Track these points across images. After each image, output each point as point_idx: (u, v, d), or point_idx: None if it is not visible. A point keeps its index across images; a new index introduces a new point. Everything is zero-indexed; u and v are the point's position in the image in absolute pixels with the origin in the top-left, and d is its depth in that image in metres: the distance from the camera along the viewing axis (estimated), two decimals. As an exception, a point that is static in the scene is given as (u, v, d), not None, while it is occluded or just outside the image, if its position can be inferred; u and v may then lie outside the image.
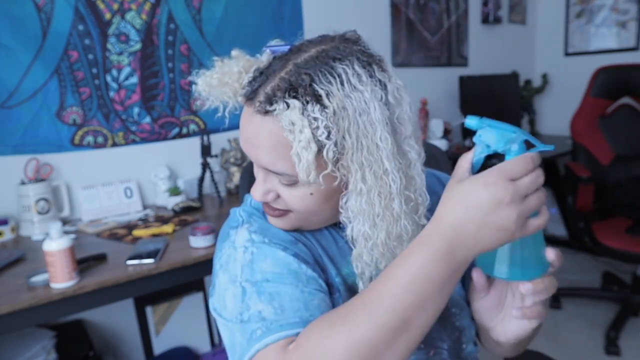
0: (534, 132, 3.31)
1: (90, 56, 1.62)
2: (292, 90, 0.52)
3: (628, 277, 2.37)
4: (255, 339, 0.52)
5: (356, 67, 0.53)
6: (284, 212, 0.62)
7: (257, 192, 0.60)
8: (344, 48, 0.55)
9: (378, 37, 2.45)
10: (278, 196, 0.60)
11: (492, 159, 0.51)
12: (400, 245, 0.57)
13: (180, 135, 1.85)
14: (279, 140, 0.53)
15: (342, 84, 0.52)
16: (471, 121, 0.51)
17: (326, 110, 0.51)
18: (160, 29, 1.74)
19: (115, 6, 1.64)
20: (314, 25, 2.11)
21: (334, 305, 0.61)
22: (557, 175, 3.07)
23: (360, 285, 0.60)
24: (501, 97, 2.96)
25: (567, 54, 3.26)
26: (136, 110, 1.74)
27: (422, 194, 0.58)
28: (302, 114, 0.51)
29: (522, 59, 3.35)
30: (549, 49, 3.36)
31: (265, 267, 0.57)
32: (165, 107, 1.80)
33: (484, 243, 0.46)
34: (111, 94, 1.68)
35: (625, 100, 2.44)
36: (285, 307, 0.54)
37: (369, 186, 0.54)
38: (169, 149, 1.83)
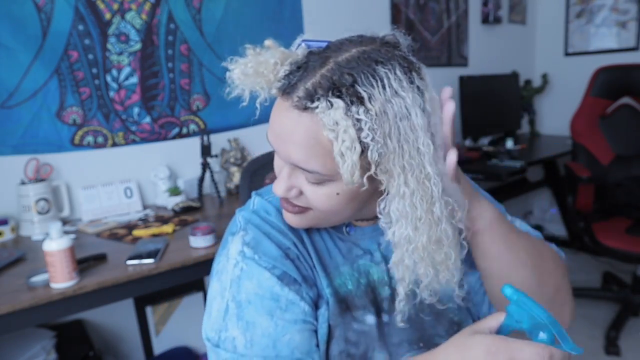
0: (534, 132, 3.31)
1: (90, 56, 1.62)
2: (335, 89, 0.51)
3: (628, 277, 2.37)
4: None
5: (398, 72, 0.52)
6: (303, 210, 0.61)
7: (280, 188, 0.59)
8: (386, 52, 0.54)
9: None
10: (301, 193, 0.60)
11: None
12: (439, 249, 0.57)
13: (180, 135, 1.85)
14: (315, 138, 0.53)
15: (383, 87, 0.51)
16: (507, 290, 0.50)
17: (370, 112, 0.51)
18: (160, 29, 1.74)
19: (115, 6, 1.64)
20: (314, 25, 2.11)
21: (317, 319, 0.63)
22: (557, 175, 3.07)
23: (400, 290, 0.59)
24: (501, 97, 2.96)
25: (567, 54, 3.27)
26: (136, 110, 1.74)
27: (458, 198, 0.57)
28: (346, 114, 0.50)
29: (522, 59, 3.35)
30: (549, 49, 3.36)
31: (250, 287, 0.60)
32: (165, 107, 1.80)
33: None
34: (111, 94, 1.68)
35: (625, 100, 2.44)
36: (255, 342, 0.58)
37: (411, 190, 0.53)
38: (169, 149, 1.83)
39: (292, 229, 0.66)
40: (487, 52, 3.06)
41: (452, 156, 0.54)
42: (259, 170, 1.01)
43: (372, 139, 0.51)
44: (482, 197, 0.61)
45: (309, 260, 0.65)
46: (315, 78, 0.52)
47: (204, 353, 1.83)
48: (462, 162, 2.22)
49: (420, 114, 0.52)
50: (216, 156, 1.81)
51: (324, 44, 0.57)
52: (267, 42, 0.58)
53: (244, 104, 0.59)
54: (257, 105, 0.58)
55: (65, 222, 1.58)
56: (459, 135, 2.78)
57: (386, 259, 0.68)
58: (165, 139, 1.82)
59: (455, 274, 0.58)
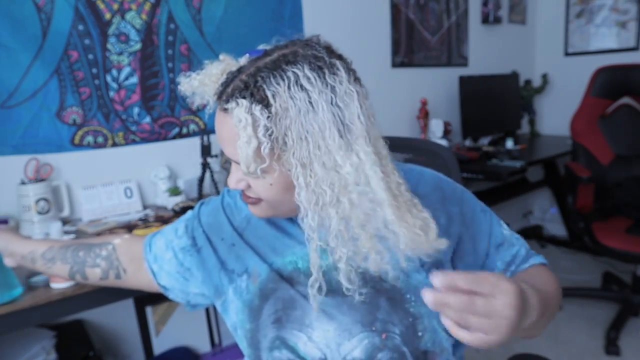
0: (534, 132, 3.31)
1: (90, 56, 1.62)
2: (244, 90, 0.59)
3: (628, 277, 2.38)
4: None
5: (306, 71, 0.58)
6: (256, 201, 0.69)
7: (230, 181, 0.69)
8: (302, 53, 0.60)
9: (378, 37, 2.45)
10: (249, 186, 0.68)
11: None
12: (363, 232, 0.59)
13: (180, 135, 1.85)
14: (236, 134, 0.59)
15: (289, 86, 0.57)
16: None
17: (269, 109, 0.57)
18: (160, 29, 1.74)
19: (115, 6, 1.64)
20: (314, 25, 2.11)
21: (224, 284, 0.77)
22: (557, 175, 3.07)
23: (342, 266, 0.62)
24: (501, 97, 2.96)
25: (567, 54, 3.27)
26: (136, 110, 1.74)
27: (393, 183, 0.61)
28: (247, 112, 0.58)
29: (522, 59, 3.35)
30: (549, 49, 3.36)
31: (161, 240, 0.85)
32: (165, 107, 1.80)
33: None
34: (111, 94, 1.68)
35: (625, 100, 2.44)
36: (152, 249, 0.85)
37: (318, 177, 0.58)
38: (169, 149, 1.83)
39: (240, 218, 0.79)
40: (487, 52, 3.06)
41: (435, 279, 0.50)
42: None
43: (267, 135, 0.58)
44: (531, 302, 0.57)
45: (250, 243, 0.76)
46: (235, 82, 0.61)
47: (204, 353, 1.83)
48: (462, 162, 2.22)
49: (327, 108, 0.57)
50: (216, 156, 1.81)
51: (262, 52, 0.64)
52: (221, 56, 0.67)
53: (210, 110, 0.68)
54: (206, 112, 0.69)
55: (65, 222, 1.58)
56: (459, 135, 2.78)
57: None
58: (165, 139, 1.82)
59: (385, 255, 0.60)
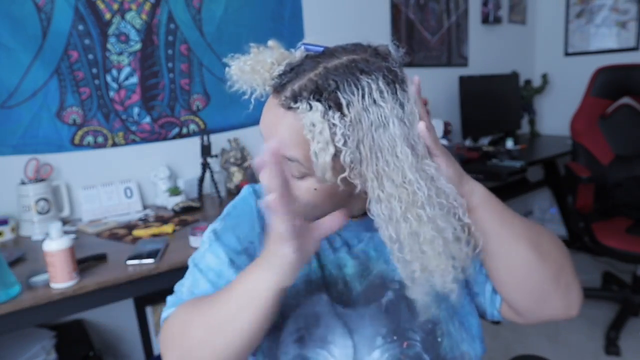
0: (534, 132, 3.31)
1: (90, 56, 1.62)
2: (317, 92, 0.55)
3: (628, 277, 2.38)
4: (168, 306, 0.70)
5: (380, 83, 0.55)
6: None
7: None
8: (373, 62, 0.57)
9: (378, 37, 2.43)
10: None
11: None
12: (432, 249, 0.57)
13: (180, 135, 1.85)
14: (298, 132, 0.56)
15: (363, 96, 0.54)
16: None
17: (345, 118, 0.54)
18: (160, 29, 1.74)
19: (115, 6, 1.64)
20: (314, 25, 2.11)
21: None
22: (557, 175, 3.07)
23: (409, 284, 0.60)
24: (501, 97, 2.96)
25: (567, 54, 3.27)
26: (136, 110, 1.74)
27: (456, 198, 0.59)
28: (323, 117, 0.54)
29: (522, 59, 3.35)
30: (549, 49, 3.36)
31: (208, 261, 0.70)
32: (165, 107, 1.80)
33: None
34: (111, 94, 1.68)
35: (625, 100, 2.44)
36: (199, 287, 0.68)
37: (387, 194, 0.56)
38: (169, 149, 1.83)
39: (244, 251, 0.72)
40: (487, 52, 3.06)
41: (421, 125, 0.57)
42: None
43: (344, 144, 0.54)
44: (473, 179, 0.63)
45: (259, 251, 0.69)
46: (303, 81, 0.56)
47: (204, 353, 1.83)
48: (462, 162, 2.22)
49: (399, 124, 0.55)
50: (216, 156, 1.81)
51: (321, 49, 0.60)
52: (271, 43, 0.63)
53: (245, 96, 0.64)
54: (252, 100, 0.64)
55: (65, 222, 1.58)
56: (459, 135, 2.78)
57: (364, 255, 0.70)
58: (165, 139, 1.82)
59: (450, 272, 0.58)
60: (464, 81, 2.66)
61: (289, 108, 0.57)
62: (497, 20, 3.03)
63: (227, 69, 0.63)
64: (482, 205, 0.61)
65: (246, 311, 0.57)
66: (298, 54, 0.62)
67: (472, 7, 2.91)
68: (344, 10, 2.26)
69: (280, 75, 0.59)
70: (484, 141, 2.82)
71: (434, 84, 2.72)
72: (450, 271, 0.58)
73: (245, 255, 0.70)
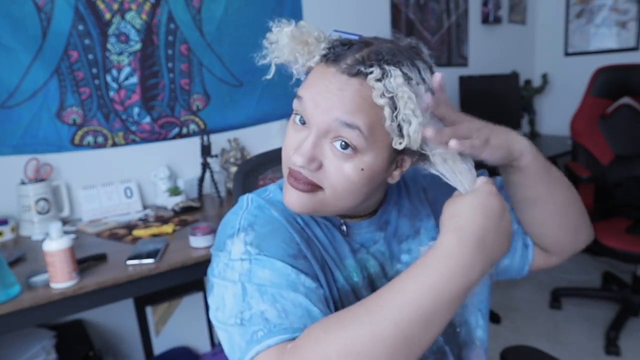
0: (534, 132, 3.31)
1: (90, 56, 1.62)
2: (385, 62, 0.54)
3: (628, 277, 2.37)
4: (255, 340, 0.50)
5: (427, 73, 0.57)
6: (314, 188, 0.58)
7: (302, 156, 0.55)
8: (415, 54, 0.59)
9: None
10: (320, 167, 0.57)
11: None
12: None
13: (180, 135, 1.85)
14: (364, 98, 0.54)
15: (419, 74, 0.56)
16: None
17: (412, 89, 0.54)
18: (160, 29, 1.74)
19: (115, 6, 1.64)
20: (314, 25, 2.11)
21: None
22: (557, 175, 3.07)
23: None
24: (501, 97, 2.96)
25: (567, 54, 3.27)
26: (136, 110, 1.74)
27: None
28: (406, 85, 0.53)
29: (522, 59, 3.35)
30: (549, 49, 3.36)
31: (263, 276, 0.55)
32: (165, 107, 1.80)
33: (499, 250, 0.50)
34: (111, 94, 1.68)
35: (625, 100, 2.44)
36: (289, 312, 0.52)
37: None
38: (169, 149, 1.83)
39: (295, 228, 0.63)
40: (487, 52, 3.06)
41: (437, 76, 0.57)
42: (252, 172, 0.99)
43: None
44: (515, 133, 0.63)
45: (317, 255, 0.63)
46: (362, 52, 0.56)
47: (204, 353, 1.83)
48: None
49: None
50: (216, 156, 1.81)
51: (357, 37, 0.60)
52: (303, 23, 0.61)
53: (268, 76, 0.63)
54: (295, 71, 0.62)
55: (65, 222, 1.58)
56: (459, 135, 2.78)
57: (381, 256, 0.69)
58: (165, 139, 1.82)
59: None
60: (464, 81, 2.66)
61: (356, 74, 0.54)
62: (497, 20, 3.03)
63: (276, 30, 0.61)
64: (534, 161, 0.63)
65: (442, 313, 0.48)
66: (334, 37, 0.61)
67: (472, 7, 2.91)
68: (344, 10, 2.26)
69: (332, 47, 0.58)
70: (484, 141, 2.81)
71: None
72: None
73: (302, 259, 0.60)
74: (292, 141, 0.60)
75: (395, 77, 0.52)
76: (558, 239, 0.73)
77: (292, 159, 0.57)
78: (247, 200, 0.67)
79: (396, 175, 0.62)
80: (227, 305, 0.55)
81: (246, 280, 0.55)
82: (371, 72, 0.53)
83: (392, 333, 0.45)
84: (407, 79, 0.54)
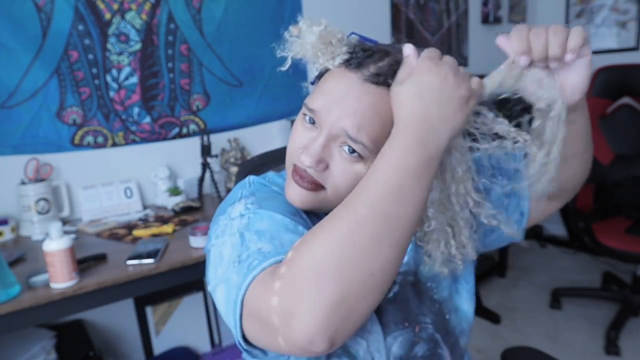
0: (534, 132, 3.31)
1: (90, 56, 1.62)
2: None
3: (628, 277, 2.37)
4: (251, 269, 0.50)
5: None
6: (316, 187, 0.60)
7: (310, 157, 0.57)
8: None
9: (378, 37, 2.44)
10: (326, 168, 0.59)
11: None
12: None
13: (180, 135, 1.85)
14: (377, 112, 0.56)
15: None
16: None
17: None
18: (160, 29, 1.74)
19: (115, 6, 1.64)
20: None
21: None
22: (557, 175, 3.06)
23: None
24: (501, 97, 2.95)
25: (567, 54, 3.26)
26: (136, 110, 1.74)
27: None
28: None
29: (522, 59, 3.35)
30: (549, 49, 3.35)
31: (261, 226, 0.56)
32: (165, 107, 1.80)
33: (450, 119, 0.51)
34: (111, 94, 1.68)
35: (625, 100, 2.44)
36: (286, 245, 0.53)
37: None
38: (169, 149, 1.83)
39: (297, 213, 0.63)
40: (487, 52, 3.06)
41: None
42: (254, 172, 1.00)
43: None
44: None
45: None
46: (384, 62, 0.57)
47: (204, 353, 1.83)
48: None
49: None
50: (216, 156, 1.81)
51: (373, 42, 0.61)
52: (323, 21, 0.62)
53: (284, 68, 0.62)
54: (316, 69, 0.62)
55: (65, 222, 1.58)
56: (459, 135, 2.78)
57: None
58: (165, 139, 1.82)
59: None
60: (464, 81, 2.66)
61: (382, 83, 0.56)
62: (497, 20, 3.03)
63: (306, 26, 0.62)
64: (583, 102, 0.66)
65: (418, 180, 0.49)
66: (353, 40, 0.62)
67: (472, 7, 2.91)
68: (344, 10, 2.26)
69: (354, 52, 0.59)
70: (484, 141, 2.82)
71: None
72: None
73: (300, 218, 0.61)
74: (300, 139, 0.61)
75: None
76: (574, 178, 0.75)
77: (301, 158, 0.59)
78: (248, 180, 0.69)
79: None
80: (225, 256, 0.55)
81: (245, 230, 0.56)
82: (390, 82, 0.55)
83: (368, 211, 0.46)
84: None
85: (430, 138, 0.50)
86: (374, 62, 0.57)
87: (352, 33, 0.63)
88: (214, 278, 0.57)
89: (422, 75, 0.52)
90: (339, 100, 0.57)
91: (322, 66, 0.61)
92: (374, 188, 0.47)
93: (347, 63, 0.59)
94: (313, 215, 0.67)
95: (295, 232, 0.56)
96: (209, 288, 0.59)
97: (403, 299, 0.69)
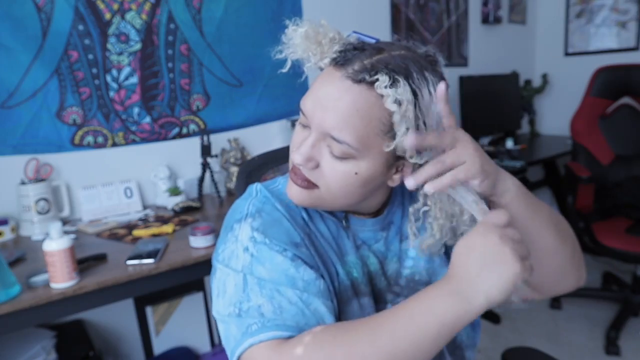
0: (534, 132, 3.31)
1: (90, 56, 1.62)
2: (393, 71, 0.55)
3: (628, 277, 2.38)
4: (250, 333, 0.53)
5: (430, 87, 0.57)
6: (311, 186, 0.61)
7: (301, 155, 0.59)
8: (430, 64, 0.59)
9: (378, 37, 2.45)
10: (317, 166, 0.60)
11: None
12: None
13: (180, 135, 1.85)
14: (358, 110, 0.56)
15: (427, 87, 0.56)
16: None
17: (418, 101, 0.55)
18: (160, 29, 1.74)
19: (115, 6, 1.64)
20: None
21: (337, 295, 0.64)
22: (557, 175, 3.07)
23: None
24: (501, 97, 2.96)
25: (567, 54, 3.26)
26: (136, 110, 1.74)
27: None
28: (411, 94, 0.54)
29: (522, 59, 3.35)
30: (549, 49, 3.36)
31: (264, 270, 0.58)
32: (165, 107, 1.80)
33: (488, 281, 0.49)
34: (111, 94, 1.68)
35: (625, 100, 2.44)
36: (284, 309, 0.55)
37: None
38: (169, 149, 1.83)
39: (298, 223, 0.65)
40: (487, 52, 3.06)
41: (441, 85, 0.57)
42: (255, 172, 1.00)
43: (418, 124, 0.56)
44: (505, 172, 0.63)
45: (320, 249, 0.65)
46: (371, 59, 0.56)
47: (204, 353, 1.83)
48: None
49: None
50: (216, 156, 1.81)
51: (374, 40, 0.61)
52: (323, 21, 0.62)
53: (285, 69, 0.63)
54: (305, 69, 0.63)
55: (65, 222, 1.58)
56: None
57: (381, 254, 0.70)
58: (165, 139, 1.82)
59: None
60: (464, 81, 2.66)
61: (360, 81, 0.55)
62: (497, 20, 3.03)
63: (291, 29, 0.62)
64: (516, 199, 0.61)
65: (429, 343, 0.50)
66: (352, 39, 0.61)
67: (472, 7, 2.91)
68: (344, 10, 2.26)
69: (343, 51, 0.58)
70: (484, 141, 2.82)
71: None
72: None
73: (304, 247, 0.63)
74: (296, 138, 0.63)
75: (403, 86, 0.54)
76: (540, 280, 0.69)
77: (291, 157, 0.61)
78: (255, 189, 0.69)
79: (396, 179, 0.62)
80: (228, 292, 0.58)
81: (248, 272, 0.58)
82: (376, 80, 0.54)
83: (387, 342, 0.49)
84: (413, 90, 0.55)
85: (468, 291, 0.49)
86: (360, 59, 0.56)
87: (353, 32, 0.62)
88: (215, 306, 0.60)
89: (473, 236, 0.51)
90: (323, 99, 0.57)
91: (316, 66, 0.61)
92: (400, 322, 0.50)
93: (334, 62, 0.59)
94: (318, 217, 0.67)
95: (294, 284, 0.57)
96: (212, 309, 0.62)
97: None
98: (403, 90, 0.54)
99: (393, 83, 0.54)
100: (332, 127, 0.56)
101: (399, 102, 0.54)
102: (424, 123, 0.55)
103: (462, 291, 0.49)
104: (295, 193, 0.63)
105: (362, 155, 0.57)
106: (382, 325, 0.50)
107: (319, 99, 0.58)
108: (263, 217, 0.63)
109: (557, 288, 0.71)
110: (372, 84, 0.55)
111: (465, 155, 0.55)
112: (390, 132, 0.56)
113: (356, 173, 0.58)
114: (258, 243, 0.60)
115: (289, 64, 0.63)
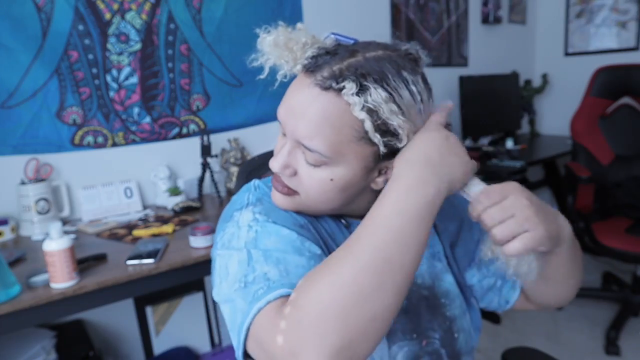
0: (534, 132, 3.31)
1: (90, 56, 1.62)
2: (363, 77, 0.54)
3: (628, 277, 2.38)
4: (256, 299, 0.50)
5: (421, 83, 0.58)
6: (291, 192, 0.62)
7: (278, 163, 0.59)
8: (410, 63, 0.59)
9: (378, 37, 2.44)
10: (295, 174, 0.60)
11: None
12: None
13: (180, 135, 1.85)
14: (327, 119, 0.55)
15: (407, 87, 0.56)
16: None
17: (397, 105, 0.55)
18: (160, 29, 1.74)
19: (115, 6, 1.64)
20: (314, 25, 2.11)
21: None
22: (557, 175, 3.07)
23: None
24: (501, 97, 2.96)
25: (567, 54, 3.26)
26: (136, 110, 1.74)
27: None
28: (385, 101, 0.54)
29: (522, 59, 3.35)
30: (549, 49, 3.36)
31: (269, 243, 0.57)
32: (165, 107, 1.80)
33: (450, 169, 0.53)
34: (111, 94, 1.68)
35: (625, 100, 2.44)
36: (291, 272, 0.53)
37: None
38: (169, 149, 1.83)
39: (305, 226, 0.64)
40: (487, 52, 3.06)
41: (448, 105, 0.61)
42: (255, 172, 1.00)
43: (387, 131, 0.56)
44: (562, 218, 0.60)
45: (323, 234, 0.66)
46: (342, 64, 0.55)
47: (204, 353, 1.83)
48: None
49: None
50: (216, 156, 1.81)
51: (352, 41, 0.60)
52: (299, 25, 0.61)
53: (263, 75, 0.62)
54: (278, 77, 0.61)
55: (65, 222, 1.58)
56: (459, 135, 2.78)
57: None
58: (165, 139, 1.82)
59: None
60: (464, 81, 2.66)
61: (327, 88, 0.54)
62: (497, 20, 3.03)
63: (260, 38, 0.61)
64: (568, 248, 0.60)
65: (416, 225, 0.50)
66: (328, 41, 0.60)
67: (472, 7, 2.91)
68: (344, 10, 2.26)
69: (314, 56, 0.57)
70: (484, 141, 2.82)
71: (434, 84, 2.69)
72: None
73: (307, 230, 0.62)
74: (276, 146, 0.63)
75: (374, 91, 0.53)
76: (546, 301, 0.73)
77: (270, 164, 0.61)
78: (253, 184, 0.69)
79: (380, 182, 0.61)
80: (231, 272, 0.56)
81: (252, 247, 0.56)
82: (343, 87, 0.53)
83: (371, 257, 0.47)
84: (389, 92, 0.54)
85: (432, 179, 0.52)
86: (329, 65, 0.55)
87: (332, 33, 0.61)
88: (218, 292, 0.58)
89: (430, 132, 0.56)
90: (294, 108, 0.57)
91: (289, 72, 0.60)
92: (375, 232, 0.49)
93: (304, 68, 0.57)
94: (315, 220, 0.67)
95: (301, 253, 0.56)
96: (214, 296, 0.59)
97: (415, 312, 0.68)
98: (375, 95, 0.53)
99: (361, 89, 0.53)
100: (303, 136, 0.56)
101: (368, 109, 0.53)
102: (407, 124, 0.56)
103: (429, 179, 0.52)
104: (278, 199, 0.63)
105: (336, 162, 0.56)
106: (358, 241, 0.49)
107: (291, 107, 0.57)
108: (264, 204, 0.63)
109: (555, 302, 0.74)
110: (340, 90, 0.53)
111: (517, 210, 0.53)
112: (364, 138, 0.55)
113: (332, 179, 0.58)
114: (261, 222, 0.60)
115: (266, 71, 0.62)
